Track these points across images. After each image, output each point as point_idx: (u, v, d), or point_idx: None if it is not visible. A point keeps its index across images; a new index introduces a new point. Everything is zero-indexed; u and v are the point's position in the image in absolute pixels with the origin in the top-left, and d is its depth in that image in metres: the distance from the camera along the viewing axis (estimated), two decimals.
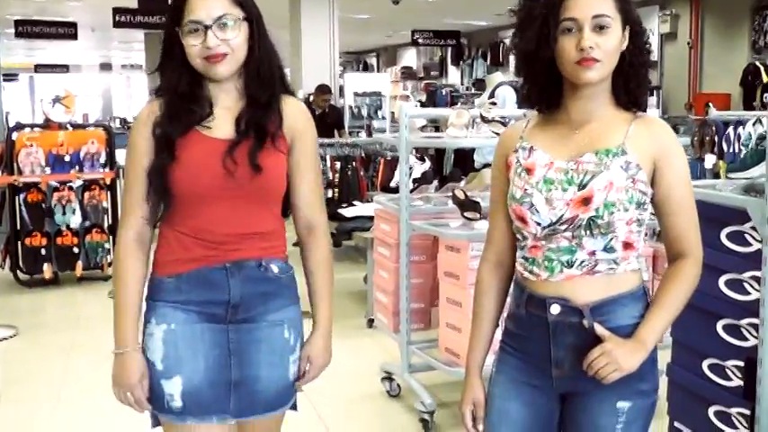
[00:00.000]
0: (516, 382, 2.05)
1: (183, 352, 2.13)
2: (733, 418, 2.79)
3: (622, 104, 1.97)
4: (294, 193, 2.23)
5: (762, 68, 11.55)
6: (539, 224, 1.93)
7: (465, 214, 4.25)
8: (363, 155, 8.92)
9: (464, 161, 8.16)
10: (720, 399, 2.83)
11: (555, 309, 1.94)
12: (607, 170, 1.88)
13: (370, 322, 5.93)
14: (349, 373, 4.83)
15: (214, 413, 2.14)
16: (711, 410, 2.87)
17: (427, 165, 8.01)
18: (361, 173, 8.71)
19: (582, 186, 1.89)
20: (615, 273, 1.93)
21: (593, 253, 1.91)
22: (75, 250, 7.38)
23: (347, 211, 7.14)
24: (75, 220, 7.36)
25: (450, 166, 8.96)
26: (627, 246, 1.93)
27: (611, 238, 1.90)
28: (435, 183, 5.75)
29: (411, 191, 4.66)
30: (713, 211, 2.77)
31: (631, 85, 1.96)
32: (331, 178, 8.47)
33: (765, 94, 11.00)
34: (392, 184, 8.11)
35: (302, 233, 2.28)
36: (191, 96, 2.12)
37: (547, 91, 1.98)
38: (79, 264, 7.37)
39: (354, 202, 7.64)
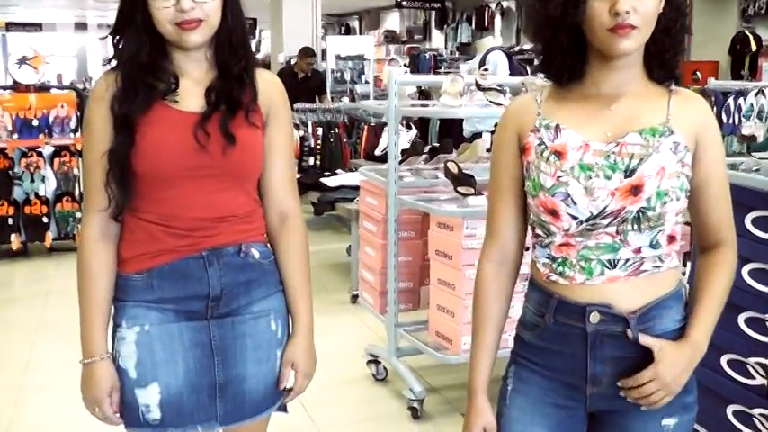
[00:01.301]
0: (540, 404, 1.78)
1: (159, 356, 1.90)
2: (755, 419, 2.57)
3: (655, 77, 1.71)
4: (265, 177, 2.00)
5: (751, 37, 11.33)
6: (575, 218, 1.66)
7: (458, 189, 4.00)
8: (346, 121, 8.69)
9: (450, 130, 7.90)
10: (740, 398, 2.61)
11: (595, 317, 1.68)
12: (656, 153, 1.63)
13: (354, 298, 5.70)
14: (332, 355, 4.54)
15: (198, 422, 1.92)
16: (730, 410, 2.65)
17: (414, 132, 7.76)
18: (344, 140, 8.50)
19: (630, 173, 1.63)
20: (660, 271, 1.69)
21: (638, 250, 1.67)
22: (45, 220, 7.11)
23: (330, 181, 6.90)
24: (45, 188, 7.11)
25: (435, 135, 8.72)
26: (671, 239, 1.70)
27: (659, 232, 1.66)
28: (425, 154, 5.48)
29: (399, 162, 4.39)
30: (737, 193, 2.52)
31: (667, 55, 1.70)
32: (313, 145, 8.22)
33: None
34: (377, 152, 7.87)
35: (274, 222, 2.04)
36: (153, 67, 1.87)
37: (570, 61, 1.70)
38: (49, 234, 7.10)
39: (337, 171, 7.40)
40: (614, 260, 1.67)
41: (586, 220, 1.66)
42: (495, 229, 1.83)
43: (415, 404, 3.95)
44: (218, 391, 1.93)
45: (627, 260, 1.66)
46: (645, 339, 1.65)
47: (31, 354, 4.86)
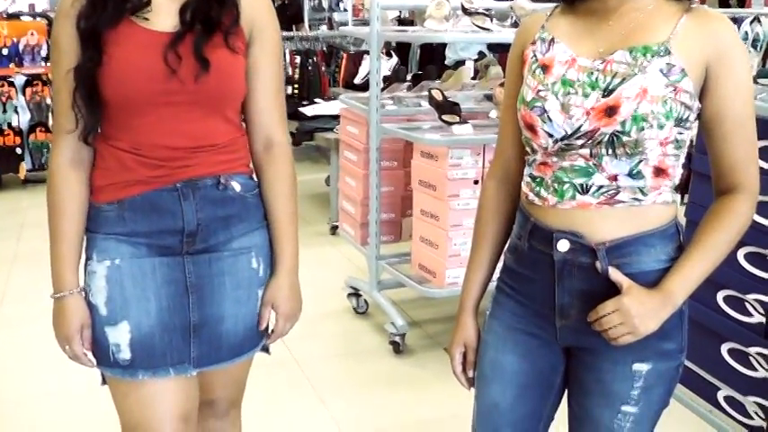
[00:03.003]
0: (513, 330, 1.69)
1: (130, 293, 1.76)
2: (751, 358, 2.48)
3: None
4: (249, 101, 1.84)
5: None
6: (550, 136, 1.54)
7: (443, 117, 3.85)
8: (325, 49, 8.47)
9: (431, 58, 7.70)
10: (736, 336, 2.53)
11: (563, 245, 1.56)
12: (642, 73, 1.47)
13: (334, 229, 5.59)
14: (311, 288, 4.39)
15: (171, 364, 1.78)
16: (725, 348, 2.57)
17: (395, 60, 7.55)
18: (323, 68, 8.28)
19: (608, 92, 1.48)
20: (641, 205, 1.54)
21: (614, 177, 1.52)
22: (19, 151, 6.97)
23: (308, 110, 6.73)
24: (18, 119, 6.93)
25: (416, 64, 8.51)
26: (659, 172, 1.53)
27: (640, 161, 1.51)
28: (408, 80, 5.30)
29: (381, 89, 4.22)
30: None
31: None
32: (291, 74, 8.01)
33: None
34: (356, 81, 7.68)
35: (258, 151, 1.88)
36: None
37: None
38: (23, 165, 6.98)
39: (316, 100, 7.21)
40: (587, 185, 1.54)
41: (561, 139, 1.53)
42: (500, 146, 1.76)
43: (397, 338, 3.86)
44: (192, 332, 1.80)
45: (600, 187, 1.53)
46: (615, 275, 1.52)
47: (6, 286, 4.73)
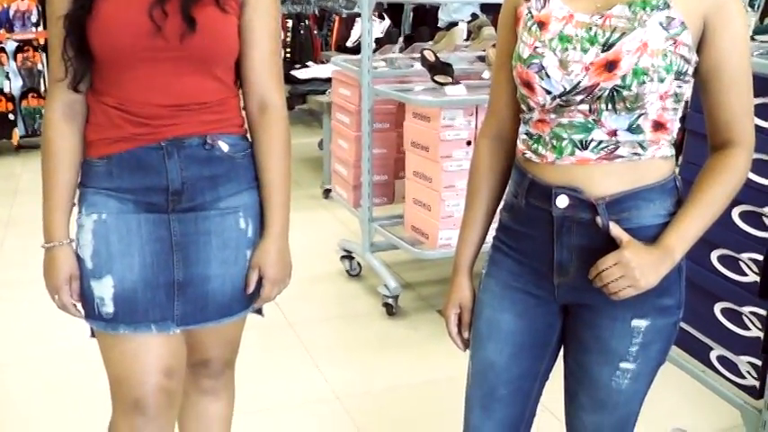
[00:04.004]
0: (510, 289, 1.68)
1: (114, 247, 1.76)
2: (744, 317, 2.48)
3: None
4: (244, 62, 1.81)
5: None
6: (548, 92, 1.52)
7: (435, 78, 3.82)
8: (317, 12, 8.38)
9: (423, 20, 7.64)
10: (730, 295, 2.52)
11: (562, 201, 1.54)
12: (642, 27, 1.45)
13: (327, 192, 5.57)
14: (304, 250, 4.38)
15: (152, 320, 1.78)
16: (718, 307, 2.56)
17: (387, 23, 7.48)
18: (315, 32, 8.20)
19: (607, 47, 1.46)
20: (641, 159, 1.52)
21: (614, 132, 1.50)
22: (11, 117, 6.97)
23: (300, 73, 6.67)
24: (10, 85, 6.90)
25: (408, 26, 8.45)
26: (658, 126, 1.52)
27: (639, 116, 1.49)
28: (400, 42, 5.25)
29: (373, 51, 4.18)
30: None
31: None
32: (283, 38, 7.92)
33: None
34: (349, 44, 7.62)
35: (253, 112, 1.85)
36: None
37: None
38: (16, 131, 6.97)
39: (308, 63, 7.15)
40: (586, 141, 1.52)
41: (560, 96, 1.51)
42: (493, 105, 1.73)
43: (390, 300, 3.85)
44: (176, 290, 1.79)
45: (600, 142, 1.52)
46: (615, 230, 1.51)
47: (1, 250, 4.71)
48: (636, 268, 1.46)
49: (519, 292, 1.67)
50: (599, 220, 1.52)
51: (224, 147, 1.79)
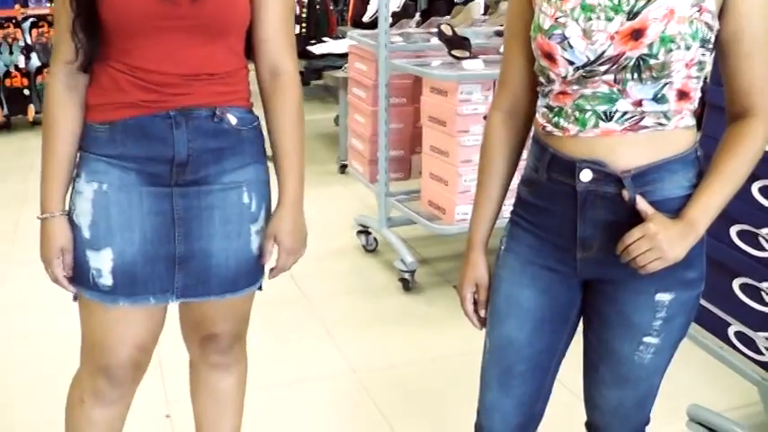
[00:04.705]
0: (530, 265, 1.66)
1: (115, 220, 1.75)
2: (763, 293, 2.46)
3: None
4: (256, 28, 1.78)
5: None
6: (571, 63, 1.49)
7: (452, 52, 3.79)
8: None
9: None
10: (749, 270, 2.50)
11: (586, 175, 1.52)
12: None
13: (343, 168, 5.56)
14: (320, 225, 4.40)
15: (152, 292, 1.78)
16: (736, 283, 2.54)
17: None
18: (331, 7, 8.15)
19: (633, 15, 1.44)
20: (665, 130, 1.50)
21: (639, 103, 1.49)
22: (27, 92, 6.91)
23: (316, 48, 6.65)
24: (25, 60, 6.85)
25: (425, 0, 8.39)
26: (682, 95, 1.50)
27: (665, 85, 1.47)
28: (417, 17, 5.22)
29: (390, 25, 4.15)
30: None
31: None
32: (298, 13, 7.88)
33: None
34: (365, 19, 7.56)
35: (265, 78, 1.83)
36: None
37: None
38: (31, 107, 6.91)
39: (324, 39, 7.11)
40: (611, 112, 1.50)
41: (583, 66, 1.49)
42: (505, 77, 1.70)
43: (406, 275, 3.85)
44: (177, 264, 1.78)
45: (625, 113, 1.50)
46: (642, 203, 1.49)
47: (17, 227, 4.71)
48: (663, 240, 1.44)
49: (539, 267, 1.65)
50: (625, 193, 1.50)
51: (232, 120, 1.77)
